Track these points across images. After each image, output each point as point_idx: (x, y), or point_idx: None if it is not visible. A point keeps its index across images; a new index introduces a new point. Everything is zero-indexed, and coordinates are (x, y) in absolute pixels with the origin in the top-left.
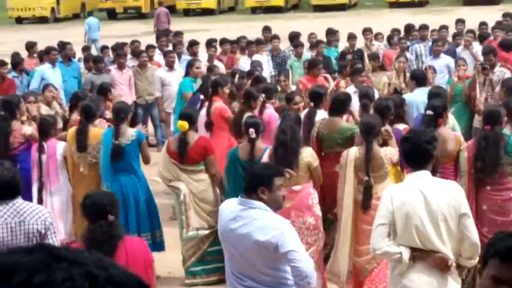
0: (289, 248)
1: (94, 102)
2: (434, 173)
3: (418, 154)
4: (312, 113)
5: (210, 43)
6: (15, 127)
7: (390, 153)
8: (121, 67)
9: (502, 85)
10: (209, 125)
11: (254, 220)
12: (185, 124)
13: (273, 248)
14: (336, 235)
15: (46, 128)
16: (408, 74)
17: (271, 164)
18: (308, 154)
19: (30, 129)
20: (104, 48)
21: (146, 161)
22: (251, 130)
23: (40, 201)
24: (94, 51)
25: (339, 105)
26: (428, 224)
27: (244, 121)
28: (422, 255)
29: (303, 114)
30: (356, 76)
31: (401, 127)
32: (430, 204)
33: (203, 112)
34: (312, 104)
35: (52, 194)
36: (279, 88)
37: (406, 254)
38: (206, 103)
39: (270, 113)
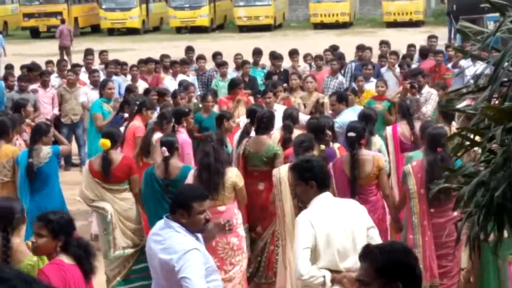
0: (183, 275)
1: (10, 118)
2: (353, 194)
3: (329, 176)
4: (248, 130)
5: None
6: None
7: None
8: (45, 85)
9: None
10: (122, 142)
11: (164, 240)
12: (107, 142)
13: (171, 270)
14: (280, 252)
15: None
16: (321, 94)
17: (194, 186)
18: (233, 174)
19: None
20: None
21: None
22: (164, 148)
23: None
24: None
25: (266, 123)
26: (348, 244)
27: (160, 140)
28: (339, 277)
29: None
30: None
31: (336, 146)
32: (345, 224)
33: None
34: (249, 121)
35: None
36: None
37: (328, 277)
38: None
39: (183, 138)
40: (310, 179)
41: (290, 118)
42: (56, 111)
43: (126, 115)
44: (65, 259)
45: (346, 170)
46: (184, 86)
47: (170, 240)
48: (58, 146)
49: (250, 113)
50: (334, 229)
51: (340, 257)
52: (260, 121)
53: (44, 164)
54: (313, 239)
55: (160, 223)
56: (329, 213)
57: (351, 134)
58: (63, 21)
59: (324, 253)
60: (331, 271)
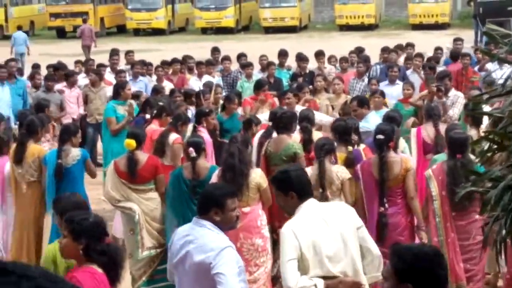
0: (218, 270)
1: (39, 118)
2: (382, 196)
3: (309, 185)
4: (269, 134)
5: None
6: None
7: (341, 171)
8: (70, 85)
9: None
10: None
11: (196, 239)
12: (132, 143)
13: (207, 269)
14: None
15: None
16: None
17: (224, 184)
18: (257, 175)
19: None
20: (35, 67)
21: (93, 176)
22: (190, 149)
23: None
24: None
25: (285, 123)
26: (337, 248)
27: (185, 141)
28: (334, 283)
29: (259, 135)
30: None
31: (361, 147)
32: (332, 228)
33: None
34: (271, 124)
35: None
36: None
37: (320, 285)
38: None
39: (204, 137)
40: (289, 190)
41: (307, 120)
42: (81, 110)
43: (148, 116)
44: (97, 268)
45: (374, 172)
46: (211, 87)
47: (203, 239)
48: (87, 152)
49: (273, 116)
50: (320, 235)
51: (332, 263)
52: (280, 121)
53: (71, 166)
54: (298, 250)
55: (187, 226)
56: (313, 220)
57: (380, 136)
58: (84, 21)
59: (313, 262)
60: (326, 278)
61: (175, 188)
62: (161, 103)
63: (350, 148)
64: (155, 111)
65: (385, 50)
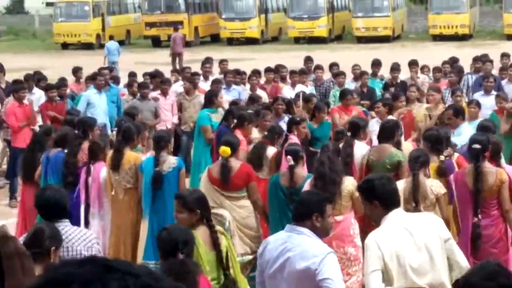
0: (326, 276)
1: (135, 125)
2: (476, 207)
3: (394, 194)
4: (349, 144)
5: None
6: (82, 147)
7: (435, 185)
8: (165, 93)
9: None
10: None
11: (297, 246)
12: (227, 150)
13: (311, 276)
14: None
15: (95, 151)
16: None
17: (318, 191)
18: (350, 183)
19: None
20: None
21: (182, 187)
22: (289, 157)
23: (86, 223)
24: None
25: (388, 132)
26: (422, 260)
27: (284, 149)
28: None
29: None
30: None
31: (455, 156)
32: (417, 239)
33: None
34: (349, 134)
35: (94, 217)
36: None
37: None
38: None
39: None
40: (373, 199)
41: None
42: (175, 119)
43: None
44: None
45: (469, 183)
46: (305, 98)
47: (303, 245)
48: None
49: (352, 126)
50: (404, 246)
51: (417, 274)
52: (382, 129)
53: (167, 173)
54: (381, 260)
55: (281, 234)
56: (398, 231)
57: (476, 146)
58: (176, 29)
59: (397, 273)
60: None
61: (272, 195)
62: (241, 112)
63: (442, 157)
64: (235, 121)
65: (476, 60)
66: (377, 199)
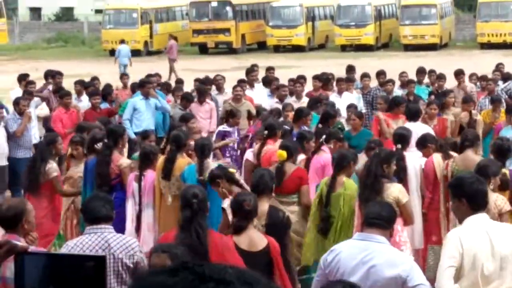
0: (419, 282)
1: (183, 132)
2: None
3: (483, 197)
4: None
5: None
6: (113, 156)
7: (500, 200)
8: (201, 102)
9: None
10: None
11: (382, 254)
12: (284, 153)
13: (401, 282)
14: None
15: (147, 158)
16: (474, 111)
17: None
18: (396, 189)
19: (127, 161)
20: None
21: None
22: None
23: (137, 229)
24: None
25: (470, 141)
26: (493, 268)
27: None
28: None
29: None
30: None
31: None
32: (495, 247)
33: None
34: (399, 146)
35: (148, 207)
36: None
37: None
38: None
39: (326, 157)
40: (460, 196)
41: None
42: (213, 126)
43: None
44: None
45: None
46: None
47: (389, 253)
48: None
49: (399, 138)
50: (483, 251)
51: (483, 281)
52: (465, 138)
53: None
54: (460, 258)
55: (353, 242)
56: (481, 234)
57: None
58: (172, 36)
59: (468, 273)
60: None
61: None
62: (269, 122)
63: (504, 170)
64: (266, 132)
65: None
66: (465, 197)
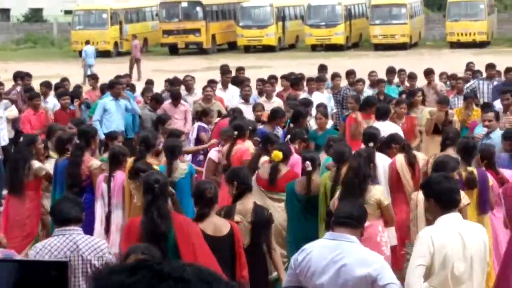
0: (388, 281)
1: (152, 133)
2: None
3: (451, 195)
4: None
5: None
6: (85, 158)
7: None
8: (175, 104)
9: None
10: (226, 169)
11: (352, 253)
12: (279, 154)
13: (372, 281)
14: None
15: (116, 159)
16: (450, 111)
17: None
18: (378, 192)
19: (97, 163)
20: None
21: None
22: (307, 163)
23: (107, 230)
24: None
25: (451, 139)
26: (464, 269)
27: (301, 155)
28: None
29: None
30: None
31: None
32: (467, 247)
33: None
34: (371, 144)
35: (117, 207)
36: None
37: None
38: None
39: (294, 158)
40: (429, 196)
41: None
42: (188, 127)
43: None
44: None
45: None
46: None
47: (360, 252)
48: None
49: (369, 137)
50: (454, 251)
51: (453, 281)
52: (446, 137)
53: (179, 180)
54: (430, 258)
55: (325, 242)
56: (453, 234)
57: None
58: (135, 36)
59: (437, 273)
60: None
61: (287, 203)
62: (237, 123)
63: (470, 168)
64: (235, 132)
65: (490, 66)
66: (432, 197)
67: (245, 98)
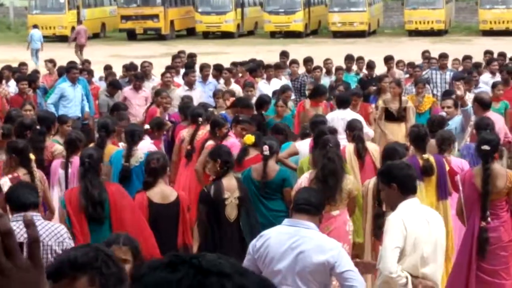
0: (346, 268)
1: (111, 119)
2: (484, 209)
3: (412, 181)
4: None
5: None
6: (46, 144)
7: None
8: (137, 88)
9: None
10: (190, 154)
11: (310, 240)
12: (252, 138)
13: (328, 268)
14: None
15: (74, 144)
16: (404, 98)
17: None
18: (350, 182)
19: (60, 147)
20: (107, 68)
21: None
22: (265, 146)
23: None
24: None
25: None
26: (431, 251)
27: (261, 140)
28: (415, 282)
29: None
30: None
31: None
32: (432, 230)
33: None
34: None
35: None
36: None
37: (410, 279)
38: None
39: (232, 141)
40: (391, 182)
41: (359, 129)
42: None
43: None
44: None
45: (477, 184)
46: (282, 89)
47: (317, 239)
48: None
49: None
50: (422, 234)
51: (422, 263)
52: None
53: (134, 167)
54: (403, 240)
55: (283, 228)
56: (419, 218)
57: (485, 147)
58: (80, 22)
59: (409, 256)
60: (410, 275)
61: None
62: (198, 111)
63: (425, 155)
64: (199, 118)
65: (442, 56)
66: (395, 182)
67: (190, 84)
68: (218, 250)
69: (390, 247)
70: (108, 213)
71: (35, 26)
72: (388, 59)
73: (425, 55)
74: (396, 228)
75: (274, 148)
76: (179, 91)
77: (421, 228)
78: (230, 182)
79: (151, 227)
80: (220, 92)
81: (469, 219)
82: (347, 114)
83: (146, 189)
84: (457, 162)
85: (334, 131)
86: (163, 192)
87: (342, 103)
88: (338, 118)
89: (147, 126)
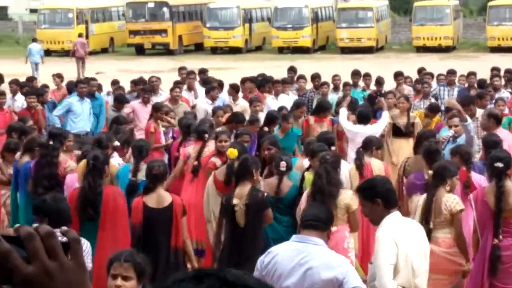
0: (355, 284)
1: (105, 134)
2: (497, 227)
3: (395, 196)
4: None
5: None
6: (60, 159)
7: (450, 200)
8: (146, 102)
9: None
10: (197, 170)
11: (318, 256)
12: (234, 151)
13: (338, 284)
14: None
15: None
16: (412, 114)
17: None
18: (348, 196)
19: (74, 164)
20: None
21: None
22: (283, 162)
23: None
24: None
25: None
26: (420, 263)
27: (276, 157)
28: None
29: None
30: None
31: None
32: (419, 243)
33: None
34: (333, 148)
35: None
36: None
37: None
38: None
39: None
40: (374, 197)
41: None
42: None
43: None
44: None
45: (490, 202)
46: (296, 104)
47: (326, 255)
48: None
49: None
50: (410, 248)
51: (413, 275)
52: (418, 140)
53: (141, 181)
54: (395, 257)
55: (291, 244)
56: (406, 231)
57: (498, 164)
58: (80, 35)
59: (402, 270)
60: None
61: None
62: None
63: (431, 172)
64: (206, 135)
65: (450, 73)
66: (379, 197)
67: (214, 98)
68: (235, 253)
69: (384, 264)
70: (99, 214)
71: (34, 40)
72: (397, 75)
73: (422, 72)
74: (388, 246)
75: (289, 164)
76: (202, 104)
77: (410, 242)
78: (242, 190)
79: (145, 230)
80: (220, 111)
81: (482, 237)
82: (368, 129)
83: (145, 193)
84: (477, 178)
85: (332, 144)
86: (159, 196)
87: (363, 119)
88: (359, 133)
89: (117, 143)
